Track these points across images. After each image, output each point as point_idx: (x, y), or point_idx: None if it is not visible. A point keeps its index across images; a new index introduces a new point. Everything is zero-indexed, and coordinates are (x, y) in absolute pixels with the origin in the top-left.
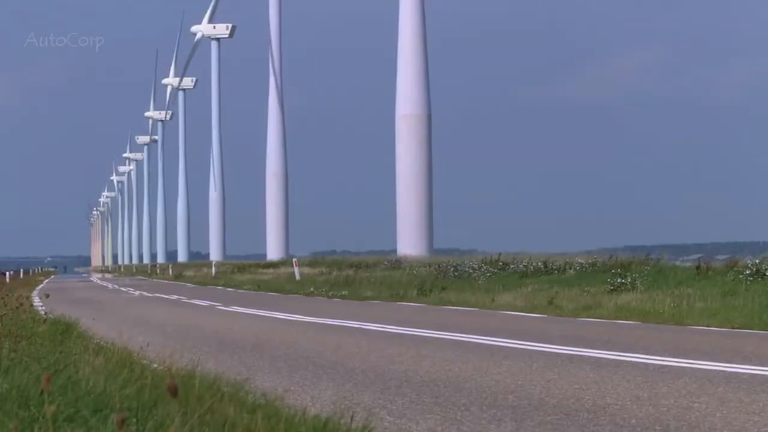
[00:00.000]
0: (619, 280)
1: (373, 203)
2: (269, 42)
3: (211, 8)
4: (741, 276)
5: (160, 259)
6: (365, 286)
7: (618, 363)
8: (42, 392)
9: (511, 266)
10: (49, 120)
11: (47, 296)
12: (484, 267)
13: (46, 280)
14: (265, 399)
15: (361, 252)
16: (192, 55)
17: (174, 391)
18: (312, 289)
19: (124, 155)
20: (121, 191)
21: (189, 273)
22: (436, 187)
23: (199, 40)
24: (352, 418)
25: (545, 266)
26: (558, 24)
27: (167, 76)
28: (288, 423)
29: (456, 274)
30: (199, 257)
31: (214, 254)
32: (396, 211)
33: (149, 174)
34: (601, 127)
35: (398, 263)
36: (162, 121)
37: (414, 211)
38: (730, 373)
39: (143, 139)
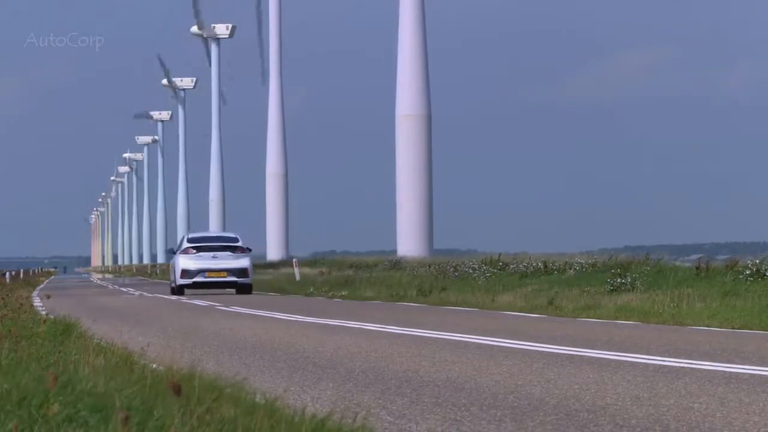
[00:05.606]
0: (618, 280)
1: (373, 203)
2: (269, 42)
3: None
4: (741, 276)
5: (160, 259)
6: (365, 286)
7: (618, 363)
8: (41, 392)
9: (511, 266)
10: (49, 120)
11: (48, 297)
12: (484, 267)
13: (46, 281)
14: (265, 399)
15: (361, 252)
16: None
17: (177, 390)
18: (312, 289)
19: (124, 155)
20: (121, 191)
21: None
22: (436, 187)
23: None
24: (352, 418)
25: (545, 266)
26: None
27: (166, 76)
28: (288, 423)
29: (456, 274)
30: None
31: None
32: (396, 212)
33: (149, 174)
34: (601, 128)
35: (398, 263)
36: (162, 121)
37: (414, 211)
38: (730, 373)
39: (143, 139)
